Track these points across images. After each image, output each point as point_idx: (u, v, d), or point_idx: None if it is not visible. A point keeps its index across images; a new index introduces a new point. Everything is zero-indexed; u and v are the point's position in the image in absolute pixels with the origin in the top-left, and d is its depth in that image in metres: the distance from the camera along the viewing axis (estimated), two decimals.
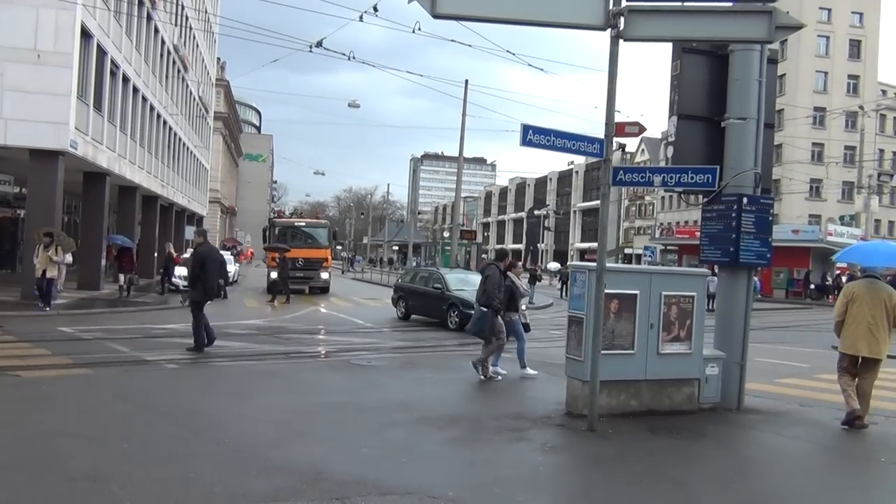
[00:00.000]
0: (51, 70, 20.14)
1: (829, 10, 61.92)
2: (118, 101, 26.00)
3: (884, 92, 68.08)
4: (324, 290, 30.62)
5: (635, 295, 8.57)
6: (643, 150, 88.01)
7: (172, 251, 27.34)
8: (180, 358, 12.28)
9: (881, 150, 58.24)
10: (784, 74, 58.02)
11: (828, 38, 62.31)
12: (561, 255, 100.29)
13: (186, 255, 30.53)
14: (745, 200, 9.24)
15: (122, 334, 15.03)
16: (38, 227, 19.52)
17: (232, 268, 36.15)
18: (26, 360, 11.43)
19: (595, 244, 8.99)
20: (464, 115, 37.56)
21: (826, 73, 62.40)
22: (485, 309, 10.99)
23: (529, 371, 11.34)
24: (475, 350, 12.11)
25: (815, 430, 8.66)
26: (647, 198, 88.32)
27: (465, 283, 19.73)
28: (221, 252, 16.41)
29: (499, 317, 11.12)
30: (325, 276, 30.57)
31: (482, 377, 10.87)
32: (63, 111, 20.35)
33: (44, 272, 18.18)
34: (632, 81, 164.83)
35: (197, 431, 7.30)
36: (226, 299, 16.68)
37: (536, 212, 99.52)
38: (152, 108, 32.16)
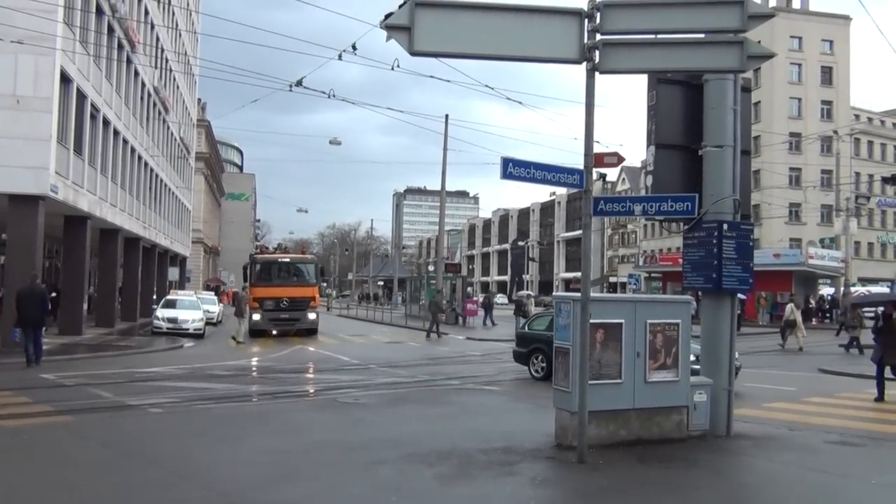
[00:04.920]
0: (30, 115, 20.08)
1: (800, 38, 63.24)
2: (98, 144, 25.95)
3: (857, 116, 69.35)
4: (311, 331, 29.00)
5: (621, 324, 8.59)
6: (624, 179, 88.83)
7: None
8: (165, 402, 12.11)
9: (857, 174, 59.04)
10: (759, 101, 58.97)
11: (800, 65, 63.55)
12: (546, 286, 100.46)
13: (170, 297, 30.42)
14: (725, 227, 9.33)
15: (106, 379, 14.81)
16: (19, 272, 19.32)
17: (215, 308, 36.04)
18: (7, 408, 11.21)
19: (580, 273, 9.06)
20: (445, 149, 37.95)
21: (800, 100, 63.51)
22: None
23: None
24: (458, 384, 12.02)
25: (805, 454, 8.65)
26: (630, 226, 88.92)
27: None
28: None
29: None
30: (312, 316, 28.94)
31: None
32: (43, 156, 20.27)
33: None
34: (611, 112, 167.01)
35: (182, 476, 7.18)
36: (45, 327, 17.74)
37: (520, 243, 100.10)
38: (133, 151, 32.12)
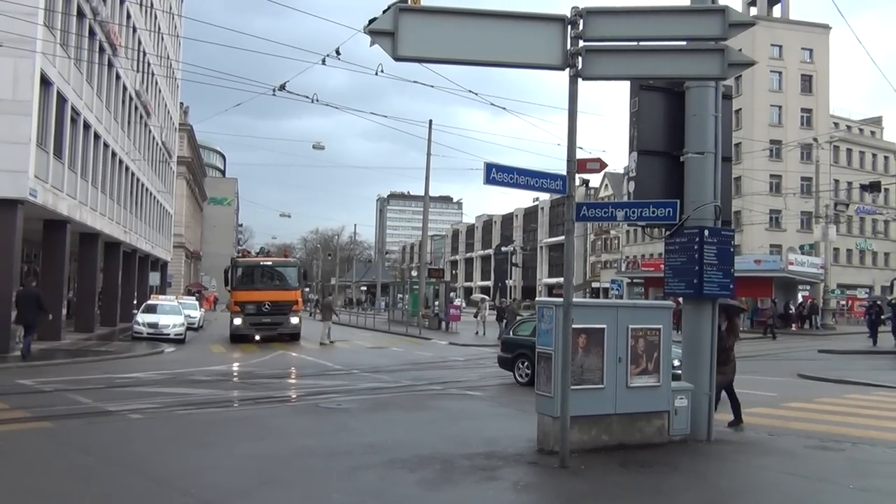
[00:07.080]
0: (9, 118, 19.89)
1: (781, 46, 63.94)
2: (79, 147, 25.72)
3: (836, 124, 70.18)
4: (294, 336, 28.62)
5: (603, 329, 8.61)
6: (607, 185, 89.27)
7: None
8: (145, 408, 12.01)
9: (836, 181, 59.75)
10: (740, 109, 59.52)
11: (780, 73, 64.26)
12: (529, 291, 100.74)
13: (150, 301, 30.18)
14: (706, 233, 9.39)
15: (84, 385, 14.65)
16: None
17: (197, 313, 35.78)
18: None
19: (563, 279, 9.07)
20: (429, 154, 38.01)
21: (780, 107, 64.19)
22: None
23: None
24: (441, 389, 12.00)
25: (785, 459, 8.71)
26: (613, 231, 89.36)
27: None
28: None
29: None
30: (294, 320, 28.59)
31: None
32: (22, 159, 20.06)
33: None
34: (594, 117, 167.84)
35: (162, 483, 7.11)
36: (42, 323, 20.32)
37: (503, 248, 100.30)
38: (114, 154, 31.85)
